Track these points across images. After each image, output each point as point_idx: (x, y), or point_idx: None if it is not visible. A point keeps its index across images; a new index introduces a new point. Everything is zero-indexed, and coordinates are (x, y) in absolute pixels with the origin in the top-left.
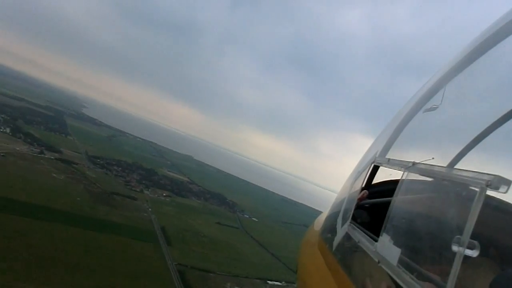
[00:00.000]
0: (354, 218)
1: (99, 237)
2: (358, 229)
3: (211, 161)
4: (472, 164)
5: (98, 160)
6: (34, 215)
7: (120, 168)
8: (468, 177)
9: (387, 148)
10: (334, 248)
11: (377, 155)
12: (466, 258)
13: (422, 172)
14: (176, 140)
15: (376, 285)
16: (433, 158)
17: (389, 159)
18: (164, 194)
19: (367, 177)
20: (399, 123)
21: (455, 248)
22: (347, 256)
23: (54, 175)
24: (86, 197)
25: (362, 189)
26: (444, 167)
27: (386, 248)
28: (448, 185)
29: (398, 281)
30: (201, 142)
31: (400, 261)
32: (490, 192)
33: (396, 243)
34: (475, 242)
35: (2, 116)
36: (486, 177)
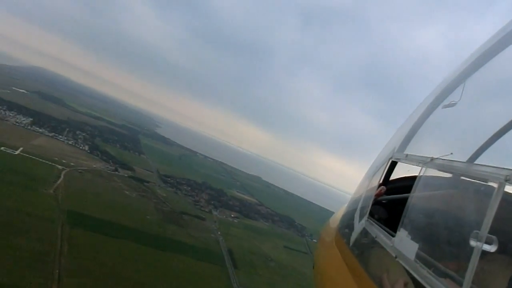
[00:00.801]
0: (371, 214)
1: (166, 256)
2: (375, 224)
3: (279, 182)
4: (491, 159)
5: (169, 179)
6: (105, 232)
7: (189, 188)
8: (486, 172)
9: (405, 144)
10: (351, 244)
11: (395, 151)
12: (484, 253)
13: (441, 168)
14: (245, 161)
15: (394, 280)
16: (451, 154)
17: (407, 155)
18: (232, 215)
19: (384, 173)
20: (417, 119)
21: (473, 243)
22: (364, 251)
23: (126, 192)
24: (155, 215)
25: (380, 185)
26: (463, 162)
27: (404, 243)
28: (466, 181)
29: (415, 276)
30: (270, 163)
31: (418, 256)
32: (508, 188)
33: (414, 238)
34: (493, 237)
35: (83, 134)
36: (505, 172)
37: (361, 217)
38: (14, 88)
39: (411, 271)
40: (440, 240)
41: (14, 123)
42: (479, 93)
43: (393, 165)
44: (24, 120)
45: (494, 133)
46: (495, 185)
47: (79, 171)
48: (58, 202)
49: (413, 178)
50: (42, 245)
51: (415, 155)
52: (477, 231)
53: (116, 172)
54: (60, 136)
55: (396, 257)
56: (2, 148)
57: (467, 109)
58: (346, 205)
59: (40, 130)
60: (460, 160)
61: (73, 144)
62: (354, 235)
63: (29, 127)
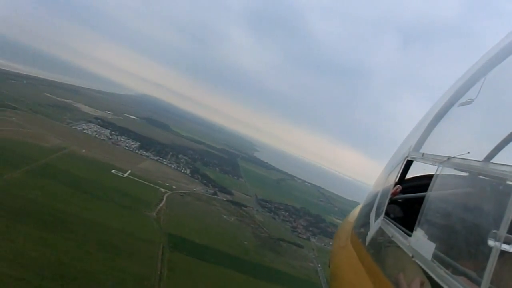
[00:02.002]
0: (387, 213)
1: (263, 285)
2: (391, 224)
3: None
4: (508, 158)
5: (267, 204)
6: (203, 257)
7: (287, 213)
8: (505, 171)
9: (420, 142)
10: (367, 243)
11: (410, 150)
12: (502, 253)
13: (458, 167)
14: (343, 185)
15: (410, 280)
16: (468, 153)
17: (423, 154)
18: (331, 243)
19: (400, 172)
20: (433, 117)
21: (491, 243)
22: (380, 250)
23: (225, 216)
24: (253, 241)
25: (395, 184)
26: (480, 161)
27: (420, 243)
28: (484, 180)
29: (432, 275)
30: (369, 188)
31: (435, 256)
32: None
33: (431, 238)
34: None
35: (185, 158)
36: None
37: (377, 217)
38: (126, 115)
39: (428, 271)
40: (458, 240)
41: (125, 147)
42: (497, 91)
43: (408, 164)
44: (133, 145)
45: (511, 131)
46: None
47: (180, 194)
48: (159, 225)
49: (429, 177)
50: (143, 268)
51: (432, 154)
52: (496, 230)
53: (215, 196)
54: (164, 160)
55: (412, 257)
56: (113, 170)
57: (484, 107)
58: (361, 205)
59: (147, 153)
60: (477, 159)
61: (176, 167)
62: (370, 235)
63: (137, 151)
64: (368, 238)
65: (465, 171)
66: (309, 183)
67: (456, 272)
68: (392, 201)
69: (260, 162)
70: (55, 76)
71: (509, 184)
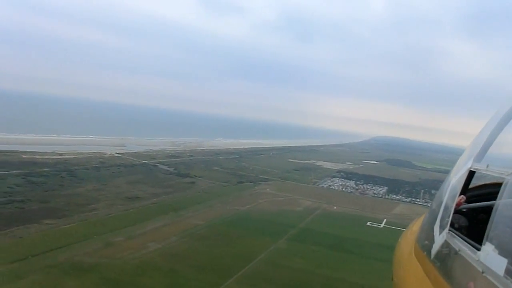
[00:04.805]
0: (451, 224)
1: None
2: (457, 236)
3: None
4: None
5: None
6: None
7: None
8: None
9: (483, 152)
10: (432, 256)
11: (473, 161)
12: None
13: None
14: None
15: None
16: None
17: (487, 165)
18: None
19: (463, 182)
20: (495, 127)
21: None
22: (447, 264)
23: None
24: None
25: (459, 194)
26: None
27: (491, 257)
28: None
29: None
30: None
31: (507, 272)
32: None
33: (502, 252)
34: None
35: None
36: None
37: (441, 228)
38: (365, 161)
39: None
40: None
41: (373, 195)
42: None
43: (471, 174)
44: (380, 190)
45: None
46: None
47: None
48: None
49: (492, 185)
50: None
51: (497, 165)
52: None
53: None
54: (417, 199)
55: (483, 272)
56: (368, 223)
57: None
58: (423, 215)
59: (397, 197)
60: None
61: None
62: (435, 248)
63: (386, 196)
64: (434, 251)
65: None
66: None
67: None
68: (456, 211)
69: None
70: (292, 142)
71: None
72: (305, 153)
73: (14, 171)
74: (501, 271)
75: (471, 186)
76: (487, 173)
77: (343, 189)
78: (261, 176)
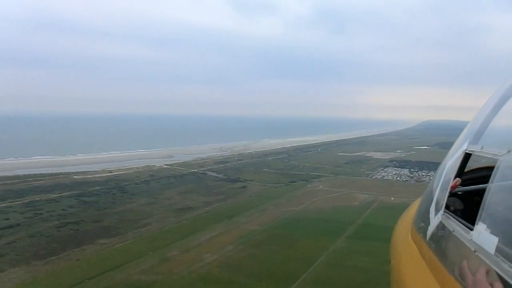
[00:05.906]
0: (447, 207)
1: None
2: (452, 217)
3: None
4: None
5: None
6: None
7: None
8: None
9: (478, 135)
10: (428, 238)
11: (469, 143)
12: None
13: None
14: None
15: (473, 274)
16: None
17: (482, 146)
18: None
19: (459, 165)
20: (491, 109)
21: None
22: (441, 245)
23: None
24: None
25: (455, 177)
26: None
27: (483, 237)
28: None
29: (496, 270)
30: None
31: (498, 250)
32: None
33: (493, 232)
34: None
35: None
36: None
37: (437, 211)
38: (416, 147)
39: (491, 265)
40: None
41: (429, 180)
42: None
43: (467, 157)
44: None
45: None
46: None
47: None
48: None
49: (487, 169)
50: None
51: (491, 147)
52: None
53: None
54: None
55: (475, 251)
56: None
57: None
58: (419, 199)
59: None
60: None
61: None
62: (430, 229)
63: None
64: (429, 233)
65: None
66: None
67: None
68: (452, 194)
69: None
70: (339, 135)
71: None
72: (354, 145)
73: (67, 193)
74: (492, 250)
75: (467, 169)
76: (481, 154)
77: (398, 178)
78: (312, 173)
